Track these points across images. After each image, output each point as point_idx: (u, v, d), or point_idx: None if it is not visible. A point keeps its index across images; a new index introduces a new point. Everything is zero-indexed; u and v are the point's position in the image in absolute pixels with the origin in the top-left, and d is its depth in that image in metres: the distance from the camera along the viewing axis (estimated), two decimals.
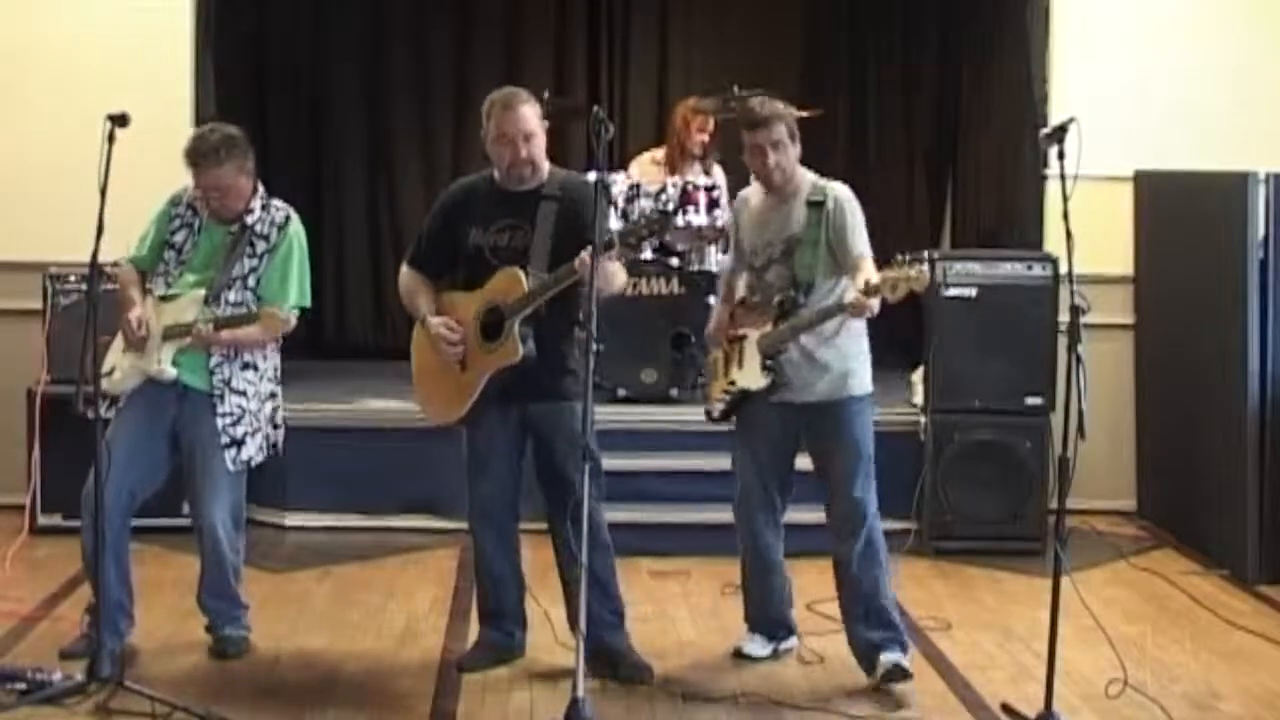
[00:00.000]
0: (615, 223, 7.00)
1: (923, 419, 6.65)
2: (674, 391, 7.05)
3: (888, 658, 4.81)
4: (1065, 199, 4.39)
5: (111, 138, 4.61)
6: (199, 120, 6.78)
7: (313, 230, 8.76)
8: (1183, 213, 6.84)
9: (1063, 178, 4.37)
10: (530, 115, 4.81)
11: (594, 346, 4.38)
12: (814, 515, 6.58)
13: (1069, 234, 4.44)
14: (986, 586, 6.10)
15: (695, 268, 7.32)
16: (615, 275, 4.74)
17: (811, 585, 6.01)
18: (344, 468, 6.81)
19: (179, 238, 5.01)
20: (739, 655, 5.12)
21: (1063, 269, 4.62)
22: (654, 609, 5.60)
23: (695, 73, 8.85)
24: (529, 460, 4.93)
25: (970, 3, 8.44)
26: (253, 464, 5.03)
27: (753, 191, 5.08)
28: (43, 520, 6.46)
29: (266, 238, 4.97)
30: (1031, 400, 6.57)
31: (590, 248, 4.44)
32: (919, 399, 6.79)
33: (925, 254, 5.07)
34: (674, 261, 7.28)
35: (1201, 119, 7.15)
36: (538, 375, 4.72)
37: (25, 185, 6.88)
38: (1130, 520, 7.18)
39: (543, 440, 4.83)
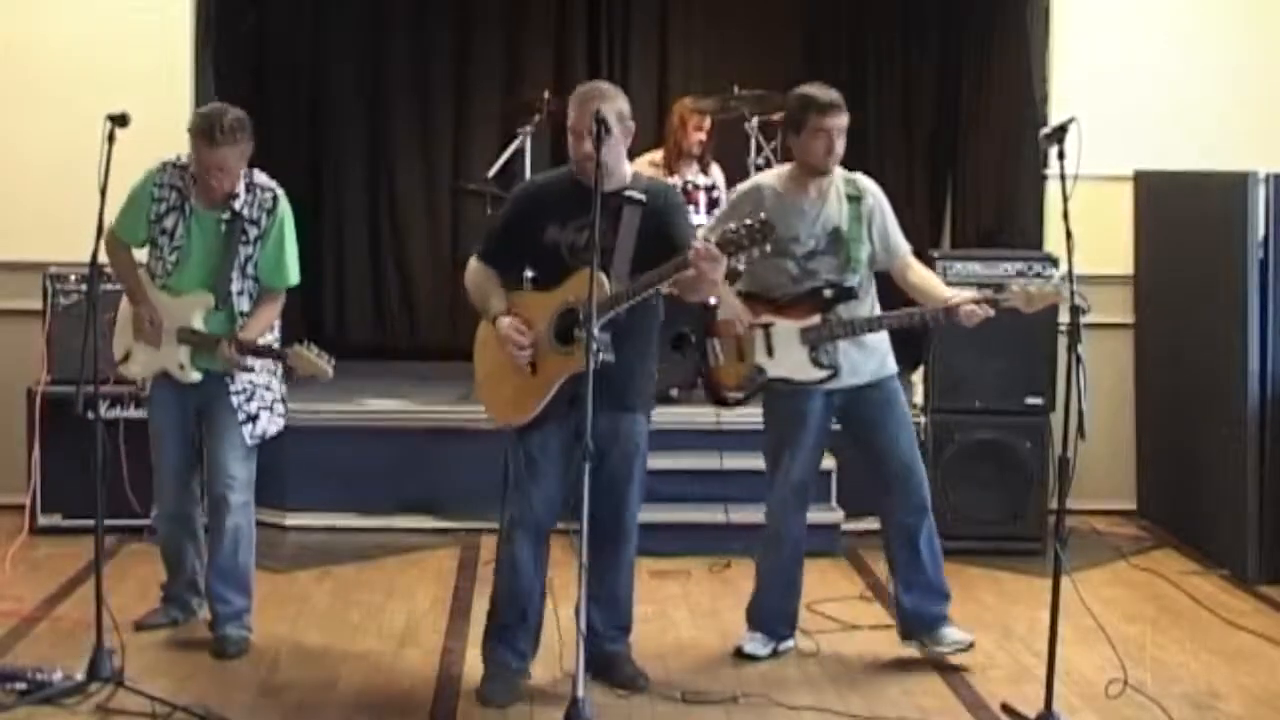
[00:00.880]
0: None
1: (923, 419, 6.64)
2: (674, 392, 7.04)
3: (952, 632, 5.03)
4: (1065, 199, 4.40)
5: (111, 138, 4.61)
6: None
7: (313, 230, 8.90)
8: (1183, 213, 6.84)
9: (1063, 178, 4.37)
10: (608, 113, 4.51)
11: (594, 346, 4.33)
12: (810, 515, 6.63)
13: (1069, 234, 4.44)
14: (986, 586, 6.10)
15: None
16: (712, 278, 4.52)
17: (812, 585, 6.02)
18: (344, 468, 6.82)
19: (169, 222, 5.03)
20: (740, 655, 5.12)
21: (1062, 269, 4.62)
22: (654, 609, 5.60)
23: (695, 73, 8.85)
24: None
25: (970, 3, 8.44)
26: (267, 436, 5.15)
27: (773, 179, 5.03)
28: (43, 520, 6.46)
29: (257, 222, 5.01)
30: (1031, 400, 6.57)
31: (689, 246, 4.43)
32: (919, 399, 6.79)
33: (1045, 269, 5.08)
34: None
35: (1201, 119, 7.16)
36: (609, 384, 4.45)
37: (25, 185, 6.88)
38: (1130, 520, 7.18)
39: (598, 448, 4.48)
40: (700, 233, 4.91)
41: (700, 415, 6.95)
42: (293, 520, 6.78)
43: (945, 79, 8.88)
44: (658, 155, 7.73)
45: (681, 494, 6.47)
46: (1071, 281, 4.44)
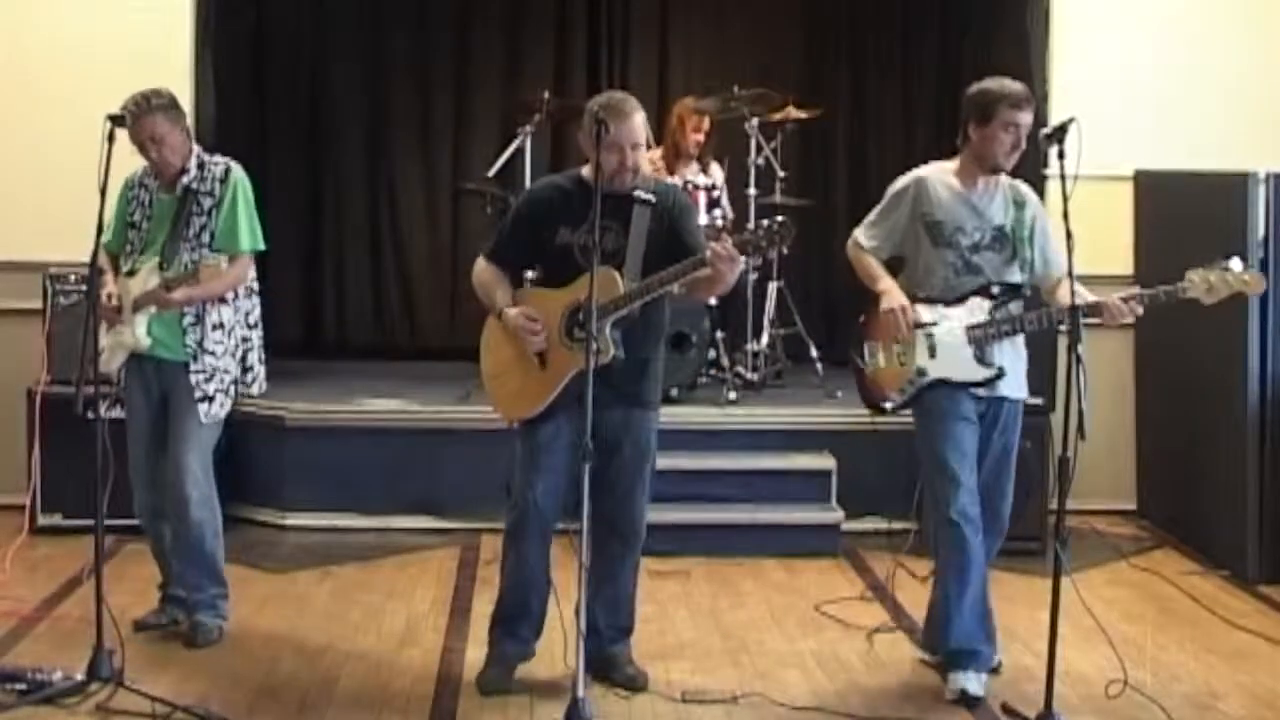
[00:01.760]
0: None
1: None
2: (674, 391, 7.04)
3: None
4: (1065, 199, 4.40)
5: (111, 138, 4.62)
6: (198, 118, 6.78)
7: (313, 230, 8.93)
8: (1183, 213, 6.84)
9: (1063, 178, 4.37)
10: (640, 125, 4.65)
11: (594, 347, 4.36)
12: (810, 515, 6.65)
13: (1069, 234, 4.44)
14: None
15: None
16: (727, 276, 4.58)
17: (812, 586, 6.03)
18: (344, 468, 6.81)
19: (137, 216, 5.13)
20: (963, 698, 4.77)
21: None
22: (654, 609, 5.60)
23: (695, 73, 8.85)
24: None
25: (970, 3, 8.43)
26: (219, 419, 5.14)
27: (937, 171, 4.93)
28: (43, 520, 6.46)
29: (211, 193, 5.06)
30: (1031, 400, 6.54)
31: (708, 244, 4.46)
32: None
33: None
34: None
35: (1201, 119, 7.16)
36: (620, 379, 4.58)
37: (25, 185, 6.88)
38: (1130, 520, 7.18)
39: (608, 444, 4.63)
40: (858, 231, 4.93)
41: (700, 415, 6.96)
42: (292, 520, 6.77)
43: (945, 79, 8.88)
44: (657, 155, 7.73)
45: (683, 494, 6.46)
46: (1072, 282, 4.43)
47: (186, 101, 6.91)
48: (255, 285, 5.23)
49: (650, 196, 4.65)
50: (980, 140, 4.78)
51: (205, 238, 5.04)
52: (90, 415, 4.72)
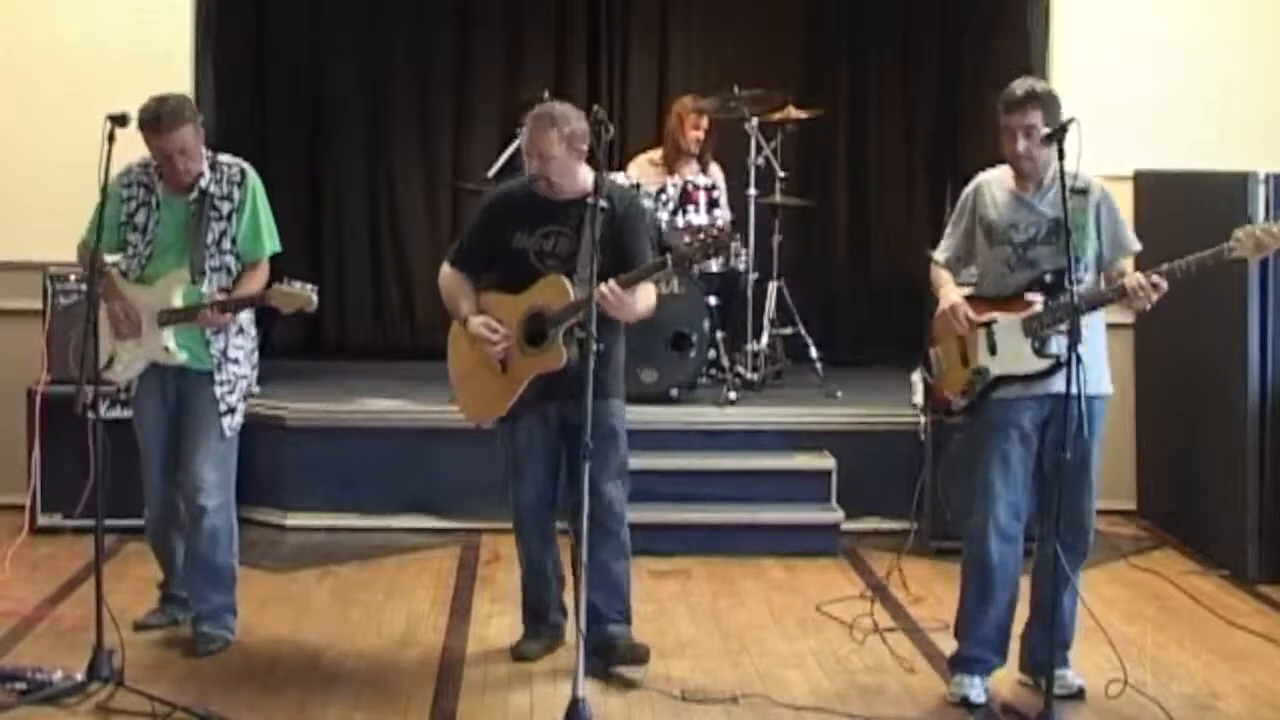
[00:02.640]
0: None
1: (923, 419, 6.64)
2: (674, 392, 7.04)
3: (1073, 677, 4.77)
4: (1065, 199, 4.39)
5: (111, 138, 4.61)
6: None
7: (313, 230, 8.93)
8: (1183, 213, 6.83)
9: (1063, 177, 4.36)
10: (549, 138, 4.75)
11: (594, 347, 4.44)
12: (810, 515, 6.64)
13: (1069, 234, 4.44)
14: None
15: (695, 269, 7.31)
16: (648, 295, 4.84)
17: (812, 585, 6.03)
18: (344, 468, 6.81)
19: (139, 218, 5.04)
20: (964, 704, 4.71)
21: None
22: (654, 609, 5.60)
23: (695, 73, 8.86)
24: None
25: (970, 2, 8.43)
26: (237, 430, 5.12)
27: (995, 174, 4.94)
28: (43, 520, 6.46)
29: (229, 198, 5.03)
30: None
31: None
32: (919, 399, 6.78)
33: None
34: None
35: (1202, 119, 7.15)
36: (579, 373, 4.66)
37: (25, 185, 6.87)
38: (1130, 520, 7.17)
39: (577, 435, 4.67)
40: (938, 250, 4.95)
41: (700, 415, 6.96)
42: (293, 520, 6.77)
43: (945, 79, 8.88)
44: (657, 154, 7.73)
45: (682, 494, 6.46)
46: (1071, 282, 4.43)
47: None
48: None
49: (601, 202, 4.71)
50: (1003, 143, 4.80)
51: (226, 244, 5.02)
52: (90, 415, 4.72)
